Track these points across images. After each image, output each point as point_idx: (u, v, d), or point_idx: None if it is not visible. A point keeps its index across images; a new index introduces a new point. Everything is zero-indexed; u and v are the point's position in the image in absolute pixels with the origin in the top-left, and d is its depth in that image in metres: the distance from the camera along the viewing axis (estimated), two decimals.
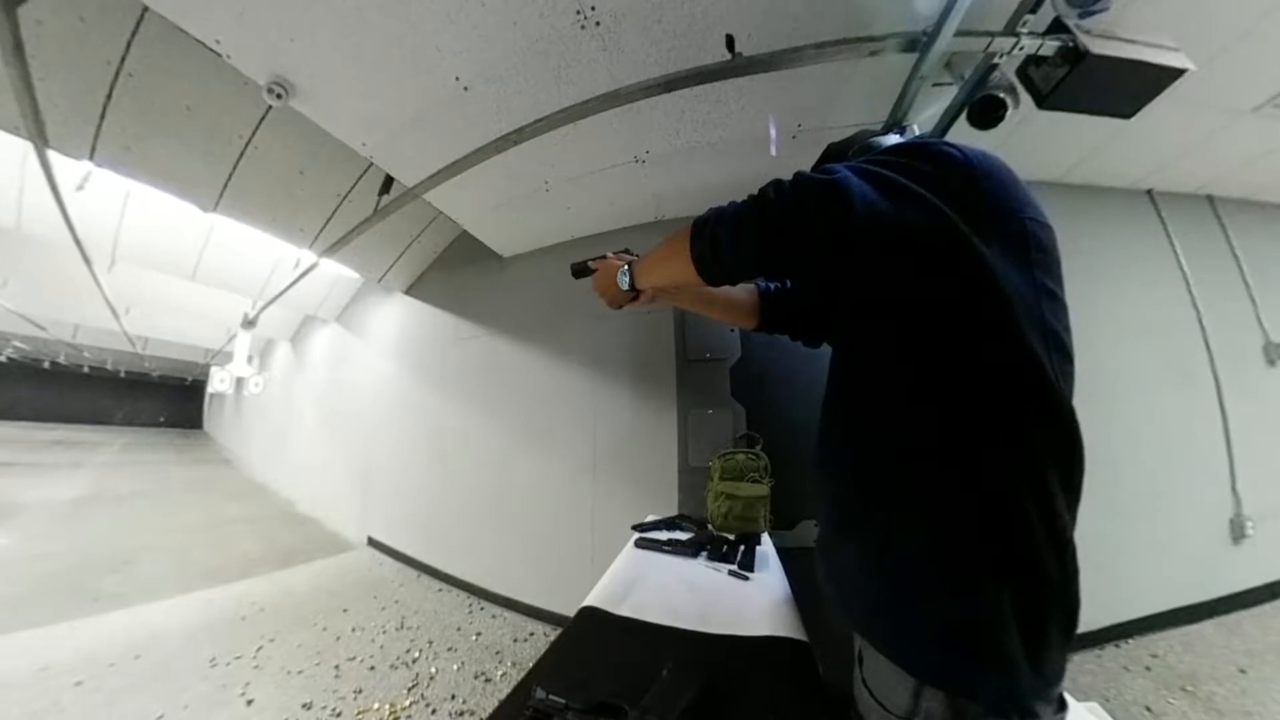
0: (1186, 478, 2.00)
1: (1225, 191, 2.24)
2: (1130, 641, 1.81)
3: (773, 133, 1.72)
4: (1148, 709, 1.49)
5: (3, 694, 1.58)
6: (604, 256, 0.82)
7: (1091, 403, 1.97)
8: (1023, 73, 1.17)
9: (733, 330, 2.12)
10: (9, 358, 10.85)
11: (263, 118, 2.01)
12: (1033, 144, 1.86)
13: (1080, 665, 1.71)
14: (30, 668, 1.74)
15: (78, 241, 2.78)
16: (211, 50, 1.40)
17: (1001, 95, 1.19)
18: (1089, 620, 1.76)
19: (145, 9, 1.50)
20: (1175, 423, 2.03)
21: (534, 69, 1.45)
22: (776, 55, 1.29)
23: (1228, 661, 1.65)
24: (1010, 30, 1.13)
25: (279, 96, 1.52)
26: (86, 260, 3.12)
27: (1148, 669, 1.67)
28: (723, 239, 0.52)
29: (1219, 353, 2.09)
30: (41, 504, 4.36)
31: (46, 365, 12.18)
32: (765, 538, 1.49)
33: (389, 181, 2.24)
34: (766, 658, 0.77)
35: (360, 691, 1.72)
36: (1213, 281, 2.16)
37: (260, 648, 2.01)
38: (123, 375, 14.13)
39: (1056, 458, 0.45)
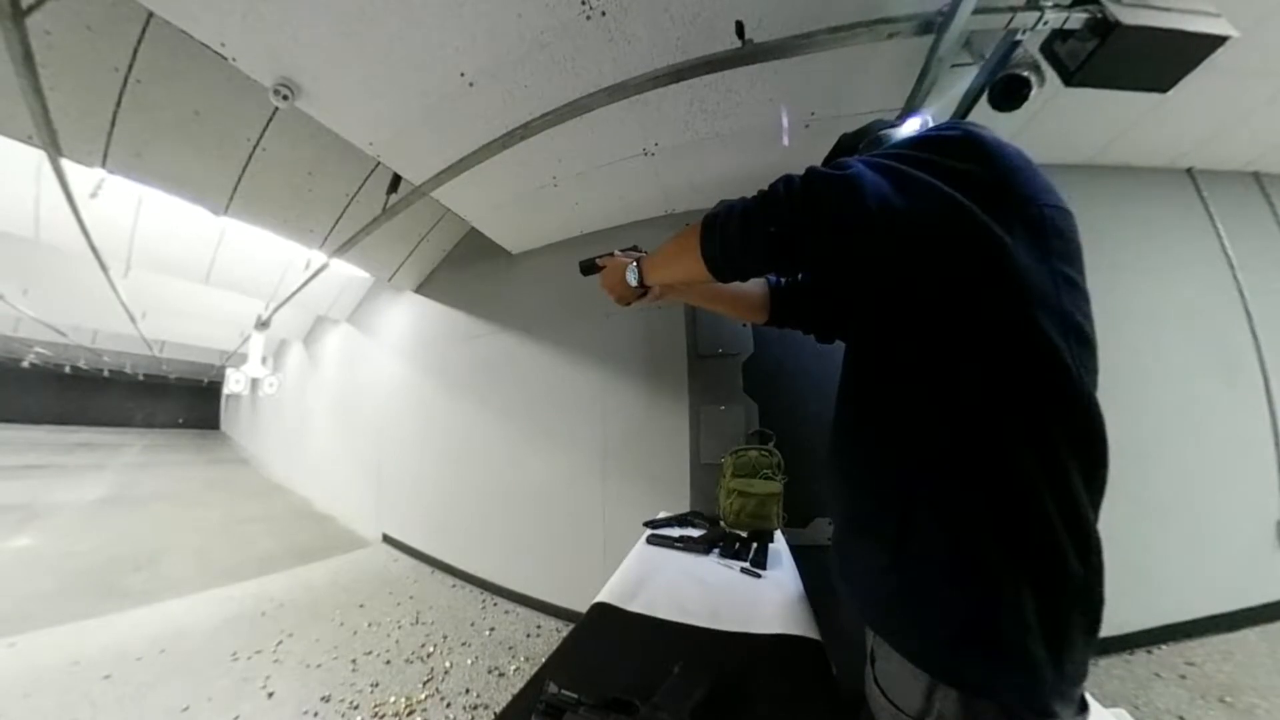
0: (1229, 475, 1.90)
1: (1273, 168, 2.10)
2: (1163, 647, 1.75)
3: (784, 122, 1.68)
4: (1181, 719, 1.43)
5: (37, 687, 1.63)
6: (611, 254, 0.80)
7: (1125, 395, 1.90)
8: (1048, 49, 1.12)
9: (744, 325, 2.09)
10: (32, 364, 11.17)
11: (270, 120, 2.02)
12: (1060, 124, 1.78)
13: (1108, 670, 1.66)
14: (62, 662, 1.80)
15: (94, 248, 2.83)
16: (217, 54, 1.40)
17: (1025, 74, 1.14)
18: (1118, 623, 1.73)
19: (150, 15, 1.51)
20: (1217, 416, 1.93)
21: (540, 62, 1.42)
22: (788, 41, 1.25)
23: (1273, 672, 1.58)
24: (1033, 4, 1.08)
25: (285, 98, 1.52)
26: (103, 266, 3.17)
27: (1182, 677, 1.60)
28: (733, 236, 0.52)
29: (1267, 342, 1.97)
30: (68, 505, 4.49)
31: (68, 370, 12.53)
32: (778, 535, 1.47)
33: (396, 180, 2.24)
34: (778, 655, 0.76)
35: (377, 685, 1.75)
36: (1260, 265, 2.04)
37: (280, 642, 2.05)
38: (141, 378, 14.51)
39: (1078, 451, 0.44)
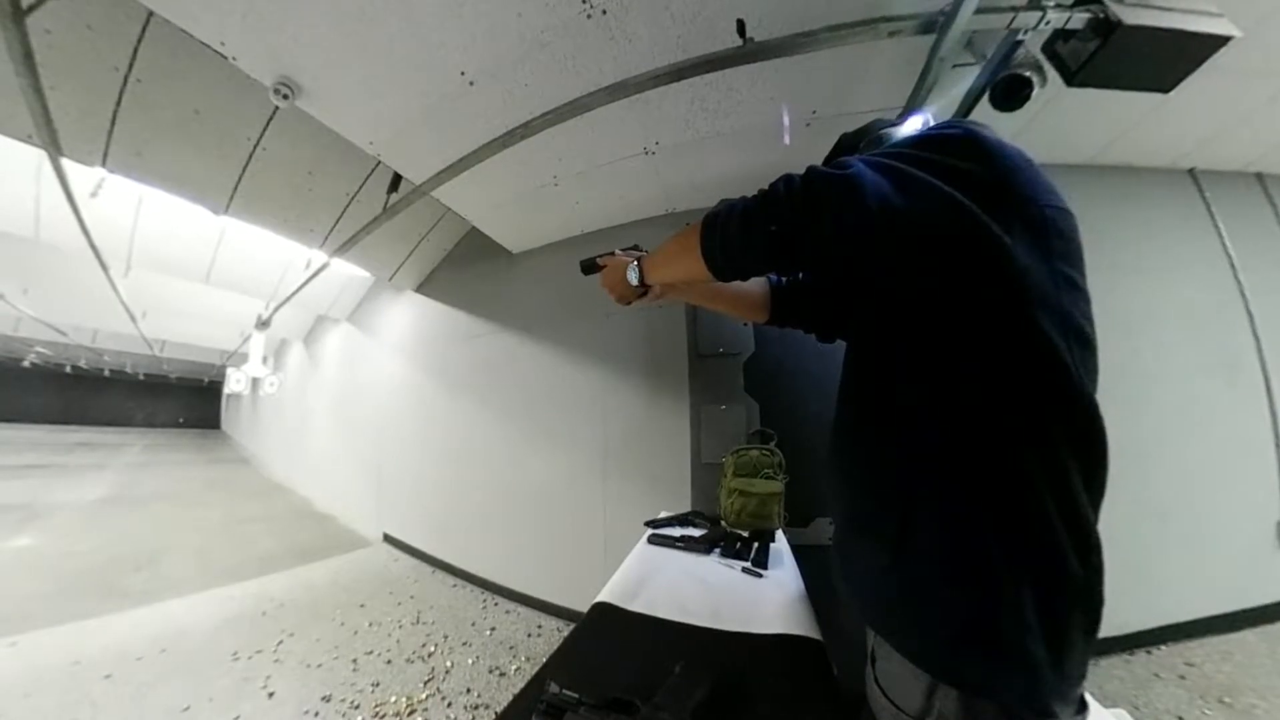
0: (1229, 475, 1.90)
1: (1275, 168, 2.10)
2: (1163, 648, 1.75)
3: (785, 121, 1.68)
4: (1180, 719, 1.44)
5: (37, 687, 1.63)
6: (612, 253, 0.80)
7: (1125, 395, 1.90)
8: (1049, 49, 1.12)
9: (745, 324, 2.09)
10: (32, 363, 11.17)
11: (270, 119, 2.02)
12: (1061, 125, 1.78)
13: (1108, 670, 1.66)
14: (63, 662, 1.80)
15: (94, 248, 2.83)
16: (217, 53, 1.39)
17: (1027, 74, 1.14)
18: (1118, 624, 1.73)
19: (150, 14, 1.51)
20: (1217, 416, 1.93)
21: (540, 61, 1.42)
22: (789, 40, 1.25)
23: (1272, 673, 1.59)
24: (1035, 4, 1.08)
25: (285, 97, 1.52)
26: (103, 266, 3.17)
27: (1182, 678, 1.61)
28: (733, 235, 0.52)
29: (1268, 342, 1.97)
30: (69, 505, 4.50)
31: (68, 370, 12.53)
32: (779, 535, 1.47)
33: (397, 179, 2.24)
34: (780, 655, 0.76)
35: (378, 685, 1.75)
36: (1261, 266, 2.04)
37: (280, 642, 2.05)
38: (142, 378, 14.51)
39: (1078, 451, 0.44)
